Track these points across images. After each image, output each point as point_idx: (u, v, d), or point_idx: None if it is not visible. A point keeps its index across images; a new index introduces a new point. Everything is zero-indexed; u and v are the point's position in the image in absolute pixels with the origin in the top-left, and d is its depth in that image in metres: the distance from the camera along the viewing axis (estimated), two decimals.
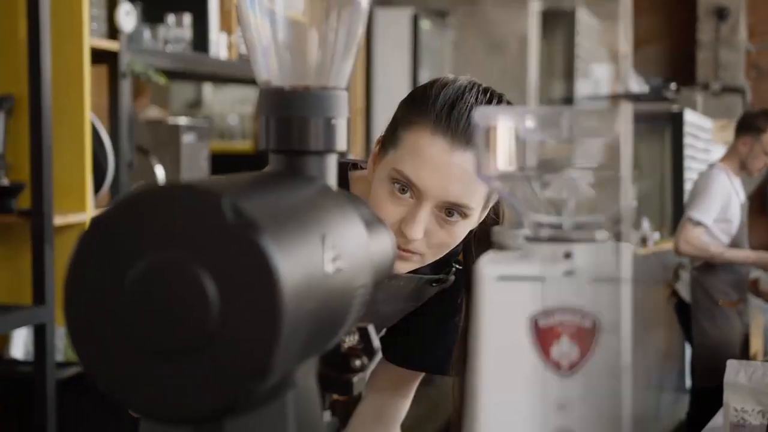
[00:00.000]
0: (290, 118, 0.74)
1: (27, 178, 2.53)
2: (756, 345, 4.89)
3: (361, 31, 0.78)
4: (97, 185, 2.78)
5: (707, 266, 4.39)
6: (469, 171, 1.23)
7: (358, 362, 0.85)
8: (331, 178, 0.77)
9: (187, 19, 3.30)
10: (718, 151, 8.55)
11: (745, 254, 4.50)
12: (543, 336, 0.66)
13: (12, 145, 2.62)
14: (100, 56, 2.83)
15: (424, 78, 4.74)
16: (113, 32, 2.86)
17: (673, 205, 7.42)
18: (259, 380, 0.59)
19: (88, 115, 2.67)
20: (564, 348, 0.66)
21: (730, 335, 4.39)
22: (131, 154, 2.97)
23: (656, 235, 6.14)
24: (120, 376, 0.61)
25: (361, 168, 1.44)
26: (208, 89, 6.27)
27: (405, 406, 1.57)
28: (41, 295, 2.49)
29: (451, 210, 1.26)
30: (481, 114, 0.69)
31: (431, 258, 1.31)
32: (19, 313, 2.49)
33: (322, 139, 0.75)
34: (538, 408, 0.66)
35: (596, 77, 5.84)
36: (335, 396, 0.89)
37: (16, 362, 2.95)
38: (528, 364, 0.66)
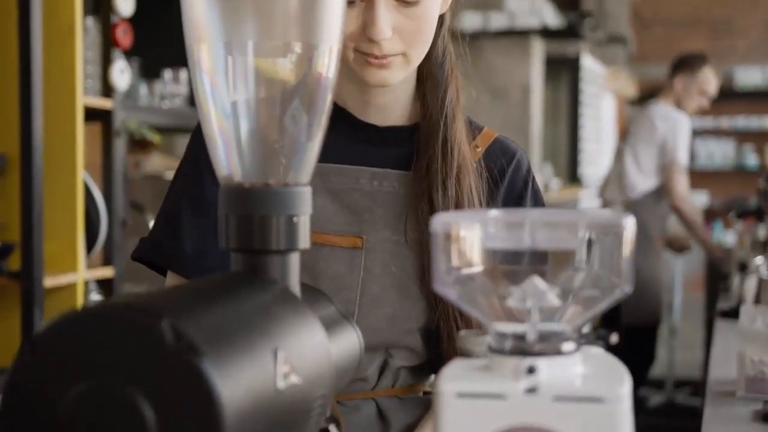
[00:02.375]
0: (250, 216, 0.72)
1: (18, 238, 2.51)
2: None
3: (324, 124, 0.76)
4: (90, 245, 2.76)
5: (644, 200, 4.42)
6: None
7: None
8: (293, 278, 0.74)
9: (183, 74, 3.30)
10: (608, 99, 8.64)
11: (711, 242, 4.69)
12: None
13: (3, 205, 2.60)
14: (94, 114, 2.82)
15: None
16: (108, 89, 2.85)
17: (569, 151, 7.40)
18: None
19: (81, 174, 2.66)
20: None
21: (661, 274, 4.41)
22: (125, 212, 2.95)
23: (556, 182, 6.16)
24: None
25: None
26: None
27: None
28: None
29: (407, 0, 1.17)
30: (439, 220, 0.66)
31: (416, 56, 1.22)
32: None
33: (284, 238, 0.72)
34: None
35: (511, 10, 5.74)
36: None
37: None
38: None
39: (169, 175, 3.55)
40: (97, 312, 0.58)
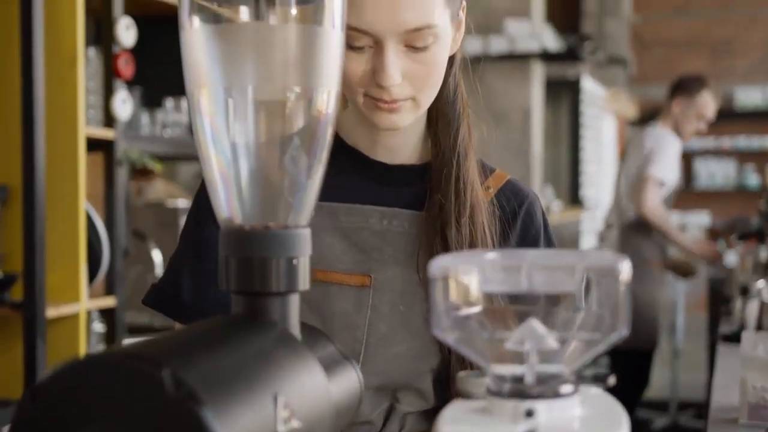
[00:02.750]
0: (250, 258, 0.72)
1: (20, 269, 2.52)
2: None
3: (323, 165, 0.76)
4: (92, 274, 2.76)
5: (639, 224, 4.40)
6: None
7: None
8: (293, 319, 0.74)
9: (185, 103, 3.31)
10: (608, 120, 8.67)
11: (691, 242, 4.61)
12: None
13: (5, 236, 2.61)
14: (96, 144, 2.83)
15: None
16: (110, 119, 2.87)
17: (570, 173, 7.38)
18: None
19: (83, 205, 2.66)
20: None
21: (657, 298, 4.37)
22: (127, 241, 2.96)
23: (558, 204, 6.15)
24: None
25: None
26: None
27: None
28: None
29: (416, 46, 1.15)
30: (437, 264, 0.67)
31: (425, 100, 1.21)
32: (11, 409, 2.46)
33: (284, 280, 0.73)
34: None
35: (511, 34, 5.75)
36: None
37: None
38: None
39: (171, 202, 3.57)
40: (98, 361, 0.59)
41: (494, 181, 1.34)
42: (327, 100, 0.74)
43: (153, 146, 3.09)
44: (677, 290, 5.50)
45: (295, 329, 0.74)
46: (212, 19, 0.73)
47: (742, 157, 10.03)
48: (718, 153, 10.06)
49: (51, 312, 2.54)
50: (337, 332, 1.22)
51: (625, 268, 0.64)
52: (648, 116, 7.51)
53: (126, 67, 2.89)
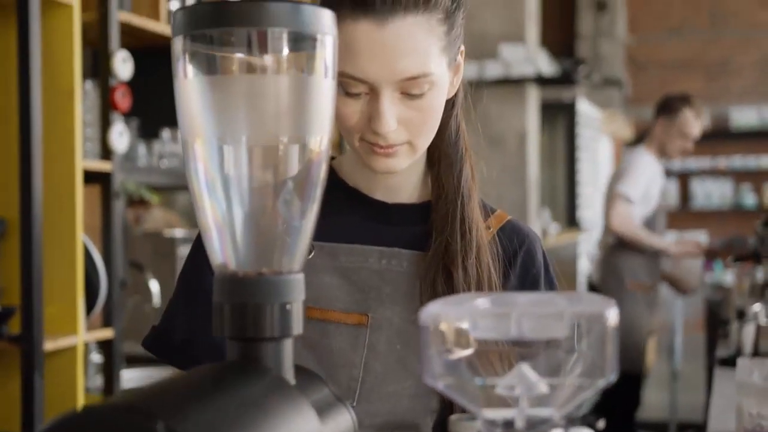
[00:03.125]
0: (244, 304, 0.73)
1: (18, 302, 2.52)
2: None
3: (316, 206, 0.77)
4: (90, 306, 2.77)
5: (620, 245, 4.39)
6: (409, 36, 1.13)
7: None
8: (287, 364, 0.75)
9: None
10: (605, 142, 8.70)
11: (668, 243, 4.60)
12: None
13: (3, 269, 2.62)
14: (93, 176, 2.84)
15: None
16: (107, 152, 2.88)
17: (567, 195, 7.40)
18: None
19: (81, 237, 2.67)
20: None
21: (638, 322, 4.34)
22: (124, 272, 2.96)
23: (555, 227, 6.17)
24: None
25: None
26: None
27: None
28: (30, 423, 2.46)
29: (412, 93, 1.16)
30: (428, 312, 0.68)
31: (422, 144, 1.21)
32: None
33: (278, 325, 0.74)
34: None
35: (505, 59, 5.75)
36: None
37: None
38: None
39: (169, 232, 3.58)
40: (93, 413, 0.60)
41: (495, 221, 1.34)
42: (320, 145, 0.76)
43: (150, 177, 3.10)
44: (675, 311, 5.50)
45: (289, 374, 0.75)
46: (206, 70, 0.74)
47: (739, 176, 10.05)
48: (714, 173, 10.08)
49: (49, 345, 2.54)
50: (333, 370, 1.23)
51: (612, 315, 0.65)
52: (643, 137, 7.54)
53: (123, 99, 2.91)
